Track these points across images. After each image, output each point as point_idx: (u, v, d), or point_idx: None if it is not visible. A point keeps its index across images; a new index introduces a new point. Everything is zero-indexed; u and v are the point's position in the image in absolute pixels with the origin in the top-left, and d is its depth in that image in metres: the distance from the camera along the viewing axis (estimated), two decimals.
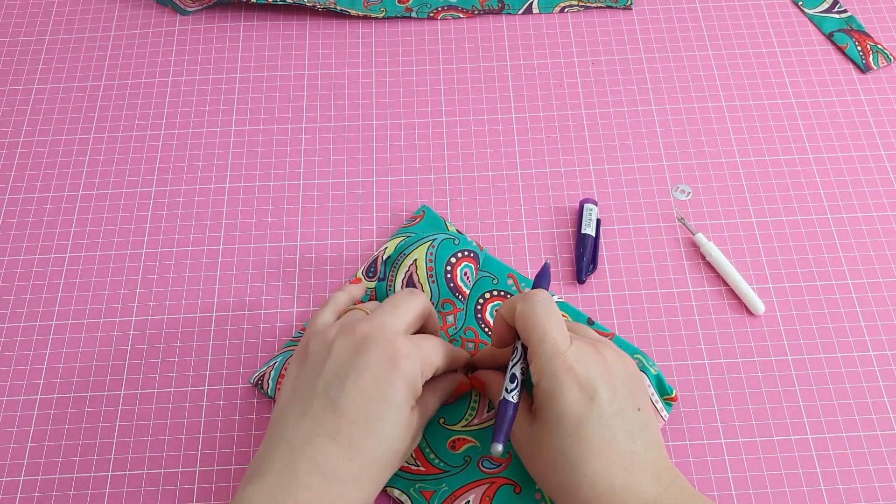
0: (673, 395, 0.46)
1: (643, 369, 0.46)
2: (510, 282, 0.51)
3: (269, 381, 0.47)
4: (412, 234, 0.52)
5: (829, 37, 0.62)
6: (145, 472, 0.47)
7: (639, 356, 0.47)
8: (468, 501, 0.44)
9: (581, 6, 0.64)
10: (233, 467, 0.46)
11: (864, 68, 0.60)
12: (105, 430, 0.48)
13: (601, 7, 0.64)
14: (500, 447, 0.38)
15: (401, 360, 0.39)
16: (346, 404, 0.38)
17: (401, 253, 0.49)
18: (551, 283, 0.52)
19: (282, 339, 0.50)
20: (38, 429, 0.48)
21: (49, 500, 0.46)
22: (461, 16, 0.64)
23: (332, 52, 0.62)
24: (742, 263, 0.52)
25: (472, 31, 0.63)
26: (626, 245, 0.53)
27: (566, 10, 0.64)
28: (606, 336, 0.49)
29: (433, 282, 0.48)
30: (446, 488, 0.44)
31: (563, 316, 0.49)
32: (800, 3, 0.64)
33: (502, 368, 0.46)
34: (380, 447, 0.39)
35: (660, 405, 0.46)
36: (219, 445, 0.47)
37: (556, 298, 0.51)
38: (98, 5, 0.66)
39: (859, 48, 0.61)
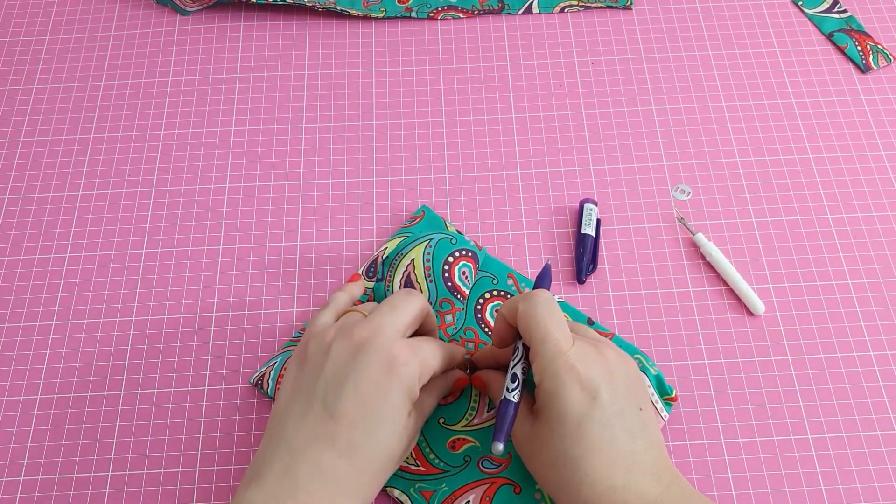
0: (673, 396, 0.46)
1: (643, 369, 0.46)
2: (510, 282, 0.51)
3: (269, 381, 0.47)
4: (411, 234, 0.52)
5: (829, 37, 0.62)
6: (145, 472, 0.47)
7: (639, 356, 0.47)
8: (468, 501, 0.44)
9: (581, 6, 0.64)
10: (233, 467, 0.46)
11: (864, 68, 0.60)
12: (105, 430, 0.48)
13: (601, 7, 0.64)
14: (500, 446, 0.38)
15: (398, 365, 0.39)
16: (344, 409, 0.38)
17: (398, 253, 0.49)
18: (552, 283, 0.52)
19: (282, 339, 0.51)
20: (38, 429, 0.48)
21: (49, 500, 0.46)
22: (461, 16, 0.64)
23: (332, 52, 0.62)
24: (742, 263, 0.52)
25: (472, 31, 0.63)
26: (626, 245, 0.53)
27: (566, 10, 0.64)
28: (606, 336, 0.49)
29: (431, 281, 0.48)
30: (446, 488, 0.44)
31: (564, 316, 0.50)
32: (800, 3, 0.64)
33: (502, 368, 0.46)
34: (377, 451, 0.39)
35: (660, 405, 0.46)
36: (219, 445, 0.47)
37: (556, 298, 0.51)
38: (98, 5, 0.66)
39: (859, 48, 0.61)
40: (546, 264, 0.45)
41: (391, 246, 0.50)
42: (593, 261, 0.52)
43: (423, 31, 0.63)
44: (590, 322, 0.50)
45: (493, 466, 0.45)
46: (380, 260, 0.50)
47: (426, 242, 0.49)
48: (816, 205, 0.54)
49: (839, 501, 0.45)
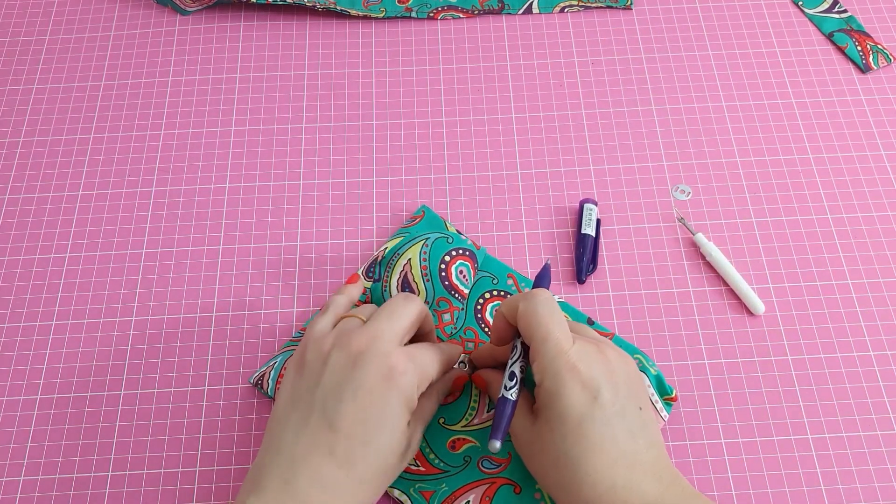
0: (673, 396, 0.46)
1: (643, 369, 0.46)
2: (510, 282, 0.51)
3: (269, 381, 0.47)
4: (407, 234, 0.52)
5: (829, 37, 0.62)
6: (145, 472, 0.47)
7: (639, 356, 0.47)
8: (468, 501, 0.44)
9: (581, 6, 0.64)
10: (233, 467, 0.46)
11: (864, 68, 0.60)
12: (105, 430, 0.48)
13: (601, 7, 0.64)
14: (498, 444, 0.38)
15: (396, 375, 0.39)
16: (342, 420, 0.38)
17: (395, 253, 0.49)
18: (551, 283, 0.52)
19: (282, 339, 0.51)
20: (38, 429, 0.48)
21: (49, 500, 0.46)
22: (461, 16, 0.64)
23: (332, 52, 0.62)
24: (742, 263, 0.52)
25: (472, 31, 0.63)
26: (626, 245, 0.53)
27: (566, 10, 0.64)
28: (606, 336, 0.49)
29: (428, 280, 0.48)
30: (446, 488, 0.44)
31: (564, 316, 0.50)
32: (800, 3, 0.64)
33: (500, 367, 0.46)
34: (376, 461, 0.39)
35: (660, 405, 0.46)
36: (219, 445, 0.47)
37: (555, 298, 0.51)
38: (98, 5, 0.66)
39: (859, 48, 0.61)
40: (545, 264, 0.45)
41: (390, 246, 0.51)
42: (593, 261, 0.52)
43: (423, 31, 0.63)
44: (590, 322, 0.50)
45: (493, 466, 0.45)
46: (378, 260, 0.50)
47: (422, 242, 0.49)
48: (816, 205, 0.54)
49: (839, 501, 0.45)
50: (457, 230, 0.53)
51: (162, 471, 0.47)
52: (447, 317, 0.49)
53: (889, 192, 0.55)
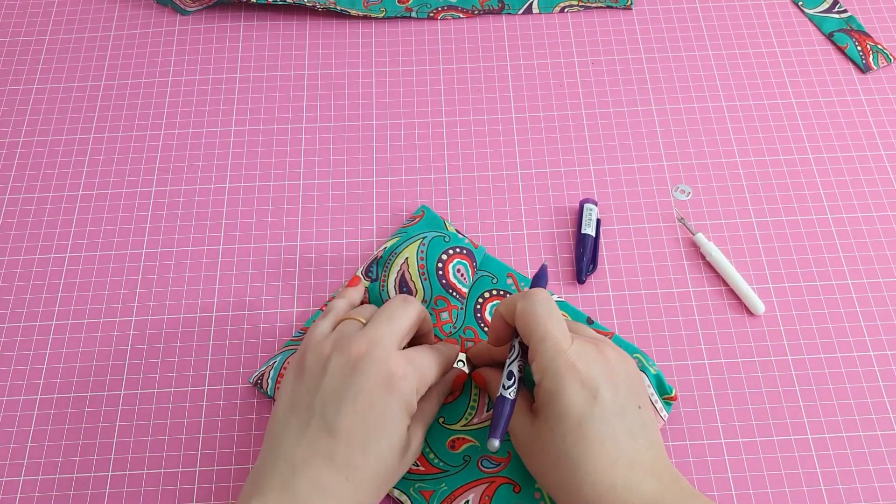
0: (672, 395, 0.46)
1: (643, 369, 0.46)
2: (509, 281, 0.51)
3: (269, 381, 0.47)
4: (404, 234, 0.52)
5: (829, 37, 0.62)
6: (145, 472, 0.47)
7: (638, 355, 0.47)
8: (467, 501, 0.44)
9: (581, 6, 0.64)
10: (233, 467, 0.46)
11: (864, 68, 0.60)
12: (105, 430, 0.48)
13: (601, 7, 0.64)
14: (497, 443, 0.38)
15: (396, 380, 0.39)
16: (342, 426, 0.38)
17: (392, 252, 0.49)
18: (551, 283, 0.52)
19: (282, 339, 0.51)
20: (38, 429, 0.48)
21: (49, 500, 0.46)
22: (461, 16, 0.64)
23: (332, 52, 0.62)
24: (742, 263, 0.52)
25: (472, 31, 0.63)
26: (626, 245, 0.53)
27: (566, 10, 0.64)
28: (605, 335, 0.49)
29: (425, 279, 0.48)
30: (446, 488, 0.44)
31: (563, 315, 0.50)
32: (800, 3, 0.64)
33: (498, 365, 0.46)
34: (376, 466, 0.39)
35: (659, 405, 0.46)
36: (219, 445, 0.47)
37: (555, 298, 0.51)
38: (98, 5, 0.66)
39: (859, 48, 0.61)
40: (542, 266, 0.45)
41: (388, 245, 0.51)
42: (593, 261, 0.52)
43: (423, 31, 0.63)
44: (589, 321, 0.50)
45: (493, 466, 0.45)
46: (375, 260, 0.50)
47: (419, 241, 0.49)
48: (816, 205, 0.54)
49: (839, 501, 0.45)
50: (456, 230, 0.53)
51: (162, 471, 0.47)
52: (445, 315, 0.49)
53: (889, 192, 0.55)
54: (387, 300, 0.49)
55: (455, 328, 0.49)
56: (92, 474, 0.47)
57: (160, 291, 0.52)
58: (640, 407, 0.40)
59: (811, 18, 0.63)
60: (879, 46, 0.61)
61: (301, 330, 0.50)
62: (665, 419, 0.46)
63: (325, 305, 0.51)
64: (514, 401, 0.40)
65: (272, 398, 0.48)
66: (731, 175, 0.56)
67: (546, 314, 0.40)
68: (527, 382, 0.44)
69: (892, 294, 0.51)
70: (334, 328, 0.43)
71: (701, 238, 0.52)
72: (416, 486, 0.45)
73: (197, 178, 0.57)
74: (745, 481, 0.45)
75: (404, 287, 0.49)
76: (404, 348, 0.42)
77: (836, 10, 0.63)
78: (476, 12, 0.64)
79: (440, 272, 0.48)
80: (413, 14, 0.63)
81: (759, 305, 0.50)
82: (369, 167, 0.57)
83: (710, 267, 0.52)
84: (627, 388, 0.40)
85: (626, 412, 0.39)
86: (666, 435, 0.47)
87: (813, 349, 0.49)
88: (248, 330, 0.51)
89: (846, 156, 0.56)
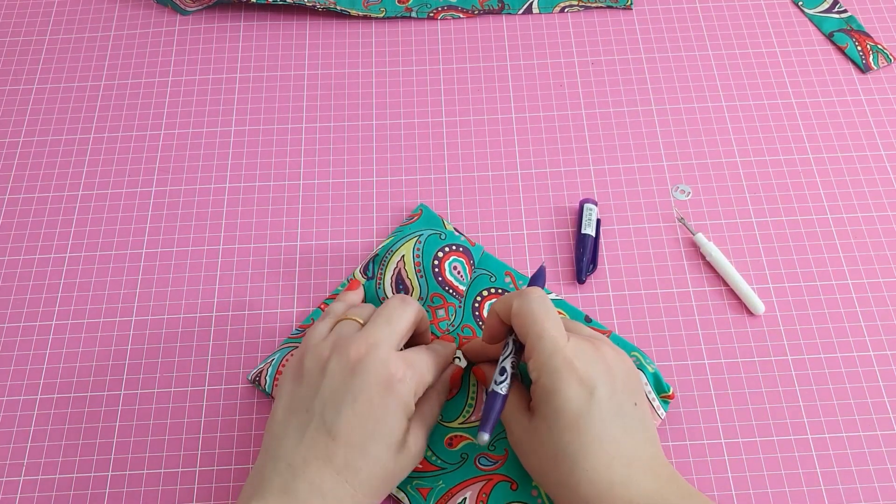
0: (670, 393, 0.46)
1: (640, 367, 0.46)
2: (508, 280, 0.51)
3: (267, 378, 0.47)
4: (401, 232, 0.52)
5: (829, 37, 0.62)
6: (145, 472, 0.47)
7: (636, 354, 0.47)
8: (465, 498, 0.44)
9: (581, 6, 0.64)
10: (233, 467, 0.46)
11: (864, 68, 0.60)
12: (105, 430, 0.48)
13: (601, 7, 0.64)
14: (486, 437, 0.38)
15: (395, 383, 0.39)
16: (341, 429, 0.39)
17: (388, 250, 0.49)
18: (551, 283, 0.52)
19: (282, 339, 0.50)
20: (38, 429, 0.48)
21: (49, 500, 0.46)
22: (461, 16, 0.64)
23: (332, 52, 0.62)
24: (742, 263, 0.52)
25: (472, 31, 0.63)
26: (626, 245, 0.53)
27: (566, 10, 0.64)
28: (604, 334, 0.49)
29: (421, 277, 0.48)
30: (443, 485, 0.44)
31: (561, 314, 0.50)
32: (800, 3, 0.64)
33: (493, 361, 0.46)
34: (375, 468, 0.39)
35: (657, 403, 0.46)
36: (219, 445, 0.47)
37: (553, 296, 0.51)
38: (98, 5, 0.66)
39: (859, 48, 0.61)
40: (541, 266, 0.45)
41: (385, 243, 0.51)
42: (593, 261, 0.52)
43: (423, 31, 0.63)
44: (587, 320, 0.50)
45: (490, 463, 0.45)
46: (372, 257, 0.50)
47: (416, 238, 0.49)
48: (816, 205, 0.54)
49: (839, 501, 0.45)
50: (454, 228, 0.53)
51: (162, 471, 0.47)
52: (441, 312, 0.49)
53: (889, 192, 0.55)
54: (383, 298, 0.49)
55: (453, 326, 0.49)
56: (92, 474, 0.47)
57: (160, 291, 0.52)
58: (636, 404, 0.40)
59: (811, 18, 0.63)
60: (879, 46, 0.61)
61: (300, 328, 0.50)
62: (662, 417, 0.46)
63: (324, 304, 0.51)
64: (505, 396, 0.40)
65: (270, 396, 0.48)
66: (731, 175, 0.56)
67: (542, 312, 0.40)
68: (524, 381, 0.44)
69: (892, 294, 0.51)
70: (332, 329, 0.43)
71: (701, 238, 0.52)
72: (414, 483, 0.45)
73: (197, 178, 0.57)
74: (745, 481, 0.45)
75: (401, 285, 0.49)
76: (402, 348, 0.42)
77: (836, 10, 0.63)
78: (476, 12, 0.64)
79: (436, 270, 0.49)
80: (413, 14, 0.63)
81: (759, 305, 0.50)
82: (369, 167, 0.57)
83: (710, 267, 0.52)
84: (624, 386, 0.40)
85: (623, 409, 0.39)
86: (665, 435, 0.47)
87: (813, 349, 0.49)
88: (248, 330, 0.51)
89: (846, 156, 0.56)
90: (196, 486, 0.46)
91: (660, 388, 0.46)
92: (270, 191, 0.56)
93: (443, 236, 0.50)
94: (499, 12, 0.64)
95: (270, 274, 0.53)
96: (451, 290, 0.49)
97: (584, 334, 0.42)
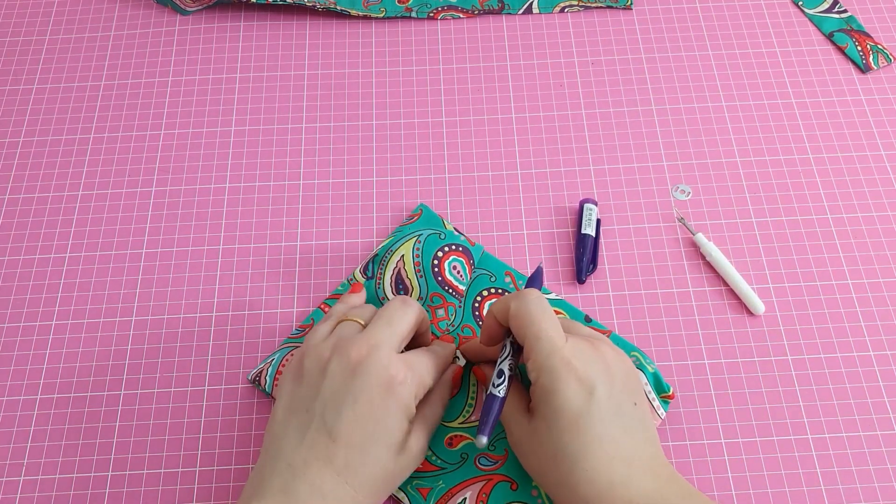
0: (670, 394, 0.46)
1: (640, 367, 0.46)
2: (508, 279, 0.51)
3: (267, 378, 0.47)
4: (400, 232, 0.52)
5: (829, 37, 0.62)
6: (145, 472, 0.47)
7: (636, 354, 0.47)
8: (465, 498, 0.44)
9: (581, 6, 0.64)
10: (233, 467, 0.46)
11: (864, 68, 0.60)
12: (105, 430, 0.48)
13: (601, 7, 0.64)
14: (484, 439, 0.39)
15: (395, 385, 0.40)
16: (341, 430, 0.39)
17: (388, 250, 0.49)
18: (551, 283, 0.52)
19: (282, 339, 0.50)
20: (38, 429, 0.48)
21: (49, 500, 0.46)
22: (461, 16, 0.64)
23: (332, 52, 0.62)
24: (742, 263, 0.52)
25: (472, 31, 0.63)
26: (626, 245, 0.53)
27: (566, 10, 0.64)
28: (603, 334, 0.49)
29: (421, 276, 0.48)
30: (443, 485, 0.44)
31: (561, 314, 0.50)
32: (800, 3, 0.64)
33: (492, 361, 0.46)
34: (375, 470, 0.39)
35: (657, 403, 0.46)
36: (219, 445, 0.47)
37: (553, 296, 0.51)
38: (98, 5, 0.66)
39: (859, 48, 0.61)
40: (538, 267, 0.45)
41: (385, 243, 0.51)
42: (593, 261, 0.52)
43: (423, 31, 0.63)
44: (587, 320, 0.50)
45: (490, 463, 0.45)
46: (371, 257, 0.50)
47: (415, 238, 0.50)
48: (816, 205, 0.54)
49: (839, 501, 0.45)
50: (454, 228, 0.53)
51: (162, 471, 0.47)
52: (441, 312, 0.49)
53: (889, 192, 0.55)
54: (383, 298, 0.49)
55: (453, 326, 0.49)
56: (92, 474, 0.47)
57: (160, 291, 0.52)
58: (636, 404, 0.40)
59: (811, 18, 0.63)
60: (879, 46, 0.61)
61: (300, 328, 0.50)
62: (662, 417, 0.46)
63: (324, 304, 0.51)
64: (503, 398, 0.40)
65: (270, 395, 0.48)
66: (731, 175, 0.56)
67: (540, 313, 0.40)
68: (524, 382, 0.44)
69: (892, 294, 0.51)
70: (333, 330, 0.43)
71: (701, 238, 0.52)
72: (414, 483, 0.45)
73: (197, 178, 0.57)
74: (745, 481, 0.45)
75: (400, 284, 0.49)
76: (403, 350, 0.42)
77: (836, 10, 0.63)
78: (476, 12, 0.64)
79: (436, 269, 0.49)
80: (413, 14, 0.63)
81: (759, 305, 0.50)
82: (369, 167, 0.57)
83: (710, 267, 0.52)
84: (624, 385, 0.40)
85: (622, 409, 0.39)
86: (665, 435, 0.47)
87: (813, 349, 0.49)
88: (248, 330, 0.51)
89: (846, 156, 0.56)
90: (196, 486, 0.46)
91: (660, 388, 0.46)
92: (270, 191, 0.56)
93: (442, 236, 0.50)
94: (499, 12, 0.64)
95: (270, 274, 0.53)
96: (450, 290, 0.49)
97: (582, 334, 0.42)
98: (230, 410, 0.48)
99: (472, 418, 0.47)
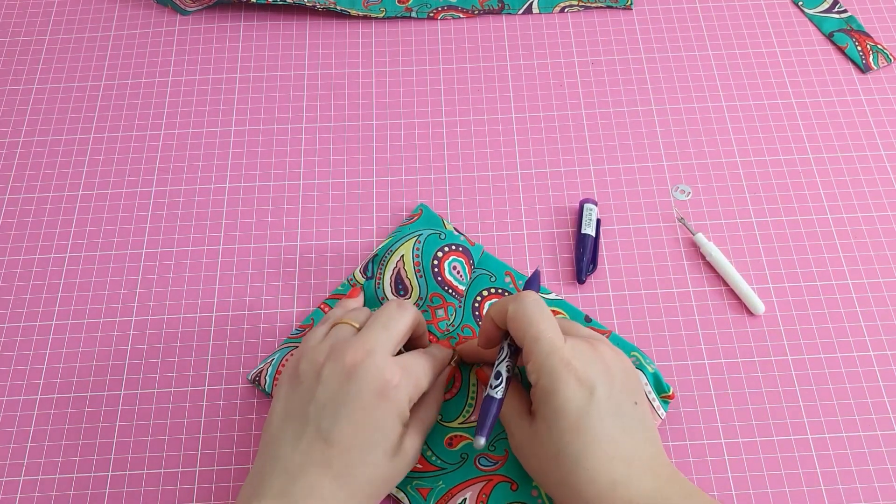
0: (670, 393, 0.46)
1: (640, 367, 0.46)
2: (508, 279, 0.51)
3: (267, 378, 0.47)
4: (399, 232, 0.52)
5: (829, 37, 0.62)
6: (145, 472, 0.47)
7: (636, 354, 0.47)
8: (465, 499, 0.44)
9: (581, 6, 0.64)
10: (233, 467, 0.46)
11: (864, 68, 0.60)
12: (105, 430, 0.48)
13: (601, 7, 0.64)
14: (482, 441, 0.39)
15: (390, 389, 0.40)
16: (337, 435, 0.39)
17: (387, 250, 0.50)
18: (552, 283, 0.52)
19: (282, 339, 0.50)
20: (38, 429, 0.48)
21: (49, 500, 0.46)
22: (461, 16, 0.64)
23: (332, 52, 0.62)
24: (742, 263, 0.52)
25: (472, 31, 0.63)
26: (626, 245, 0.53)
27: (566, 10, 0.64)
28: (603, 334, 0.49)
29: (421, 276, 0.48)
30: (443, 485, 0.44)
31: (560, 314, 0.50)
32: (800, 3, 0.64)
33: (488, 363, 0.46)
34: (370, 474, 0.39)
35: (657, 403, 0.46)
36: (219, 445, 0.47)
37: (553, 296, 0.51)
38: (98, 5, 0.66)
39: (859, 48, 0.61)
40: (535, 271, 0.45)
41: (384, 243, 0.51)
42: (593, 261, 0.52)
43: (423, 31, 0.63)
44: (587, 320, 0.50)
45: (490, 464, 0.45)
46: (371, 258, 0.50)
47: (415, 238, 0.50)
48: (816, 205, 0.54)
49: (839, 501, 0.45)
50: (454, 228, 0.53)
51: (162, 471, 0.47)
52: (441, 312, 0.49)
53: (889, 192, 0.55)
54: (383, 298, 0.49)
55: (453, 326, 0.49)
56: (92, 474, 0.47)
57: (160, 291, 0.52)
58: (636, 404, 0.40)
59: (811, 18, 0.63)
60: (879, 46, 0.61)
61: (300, 328, 0.50)
62: (662, 417, 0.46)
63: (324, 304, 0.51)
64: (500, 400, 0.40)
65: (270, 395, 0.48)
66: (731, 175, 0.56)
67: (538, 315, 0.40)
68: (523, 384, 0.44)
69: (892, 294, 0.51)
70: (328, 333, 0.43)
71: (701, 238, 0.52)
72: (414, 483, 0.45)
73: (197, 178, 0.57)
74: (745, 481, 0.45)
75: (400, 284, 0.49)
76: (398, 355, 0.42)
77: (836, 10, 0.63)
78: (476, 12, 0.64)
79: (436, 269, 0.49)
80: (413, 14, 0.63)
81: (759, 305, 0.50)
82: (369, 167, 0.57)
83: (710, 267, 0.52)
84: (623, 385, 0.40)
85: (622, 409, 0.39)
86: (665, 435, 0.47)
87: (813, 349, 0.49)
88: (248, 330, 0.51)
89: (846, 156, 0.56)
90: (196, 486, 0.46)
91: (660, 388, 0.46)
92: (270, 191, 0.56)
93: (442, 236, 0.50)
94: (499, 12, 0.64)
95: (270, 274, 0.53)
96: (450, 290, 0.49)
97: (581, 335, 0.42)
98: (230, 410, 0.48)
99: (472, 418, 0.47)
